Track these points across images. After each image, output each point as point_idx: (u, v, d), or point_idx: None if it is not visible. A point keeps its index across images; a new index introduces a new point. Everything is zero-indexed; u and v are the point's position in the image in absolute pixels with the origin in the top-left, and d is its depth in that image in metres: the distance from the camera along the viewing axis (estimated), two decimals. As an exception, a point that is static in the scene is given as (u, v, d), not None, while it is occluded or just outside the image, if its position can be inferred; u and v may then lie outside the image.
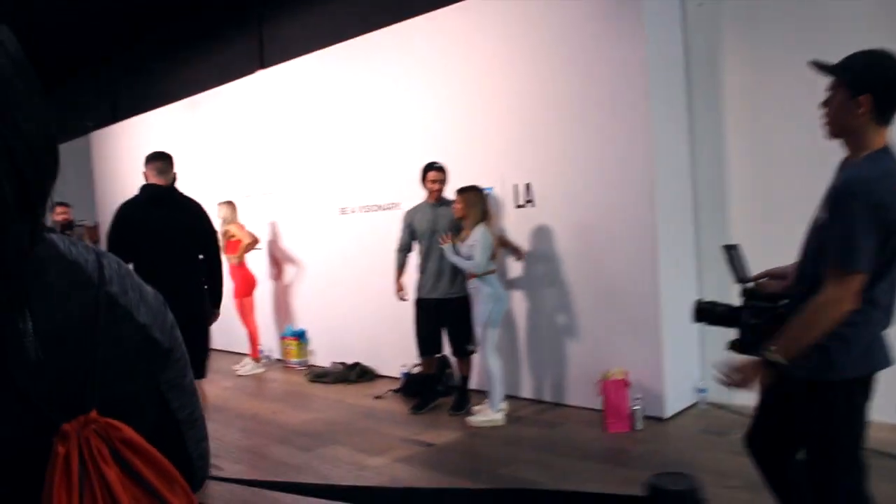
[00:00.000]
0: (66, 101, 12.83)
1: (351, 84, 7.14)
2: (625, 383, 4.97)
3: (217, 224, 7.51)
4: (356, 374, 6.96)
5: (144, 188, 4.51)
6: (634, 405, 4.95)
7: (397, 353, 6.66)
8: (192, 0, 9.04)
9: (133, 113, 10.50)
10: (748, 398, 5.28)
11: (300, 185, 7.77)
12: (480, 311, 5.27)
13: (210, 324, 4.60)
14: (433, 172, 5.59)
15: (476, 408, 5.45)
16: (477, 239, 5.19)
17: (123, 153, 10.69)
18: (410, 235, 5.73)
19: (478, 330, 5.31)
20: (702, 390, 5.36)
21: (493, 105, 5.89)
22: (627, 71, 5.10)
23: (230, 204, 7.73)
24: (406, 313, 6.39)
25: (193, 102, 9.22)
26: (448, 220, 5.50)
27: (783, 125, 5.05)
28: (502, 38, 5.82)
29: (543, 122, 5.57)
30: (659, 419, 5.07)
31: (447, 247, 5.28)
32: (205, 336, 4.50)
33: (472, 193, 5.32)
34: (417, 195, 6.22)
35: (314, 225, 7.60)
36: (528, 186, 5.68)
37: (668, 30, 5.29)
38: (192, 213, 4.59)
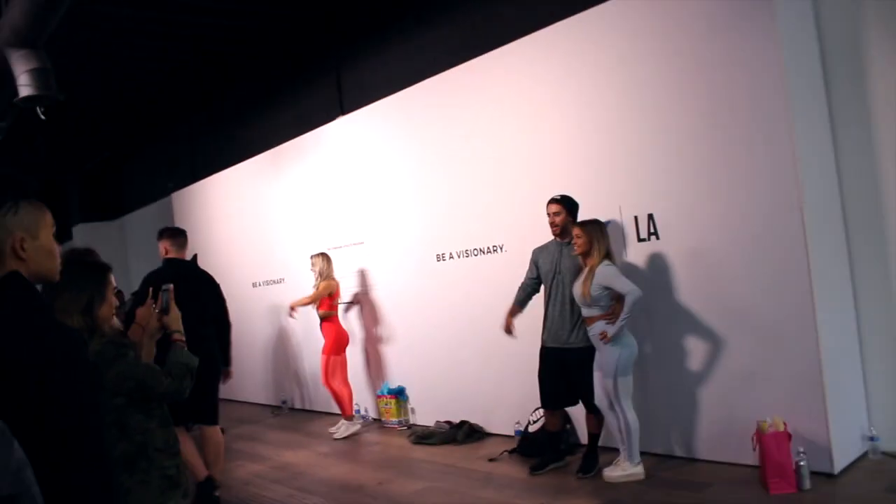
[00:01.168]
0: (149, 163, 12.96)
1: (439, 122, 6.75)
2: (787, 435, 4.30)
3: (311, 277, 7.33)
4: (464, 433, 6.41)
5: (168, 262, 5.34)
6: (799, 460, 4.27)
7: (508, 409, 6.13)
8: (269, 50, 8.88)
9: (214, 170, 10.37)
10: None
11: (391, 232, 7.36)
12: (609, 358, 4.71)
13: (223, 381, 5.45)
14: (550, 205, 5.09)
15: (611, 465, 4.86)
16: (609, 275, 4.67)
17: (201, 211, 10.60)
18: (535, 273, 5.25)
19: (607, 380, 4.74)
20: (873, 438, 4.65)
21: (604, 130, 5.38)
22: (762, 79, 4.52)
23: (324, 256, 7.38)
24: (516, 364, 5.91)
25: (275, 154, 8.99)
26: (573, 261, 4.99)
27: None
28: (610, 56, 5.32)
29: (665, 144, 5.02)
30: (828, 475, 4.36)
31: (597, 326, 4.78)
32: (213, 390, 5.29)
33: (593, 226, 4.81)
34: (523, 236, 5.77)
35: (408, 274, 7.16)
36: (650, 217, 5.12)
37: (801, 28, 4.72)
38: (208, 283, 5.48)
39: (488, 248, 6.31)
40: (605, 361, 4.74)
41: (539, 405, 5.40)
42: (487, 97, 6.27)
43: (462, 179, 6.53)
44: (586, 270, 4.78)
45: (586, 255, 4.80)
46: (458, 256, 6.59)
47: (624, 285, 4.61)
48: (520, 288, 5.34)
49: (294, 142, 8.64)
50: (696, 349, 4.96)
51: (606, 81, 5.35)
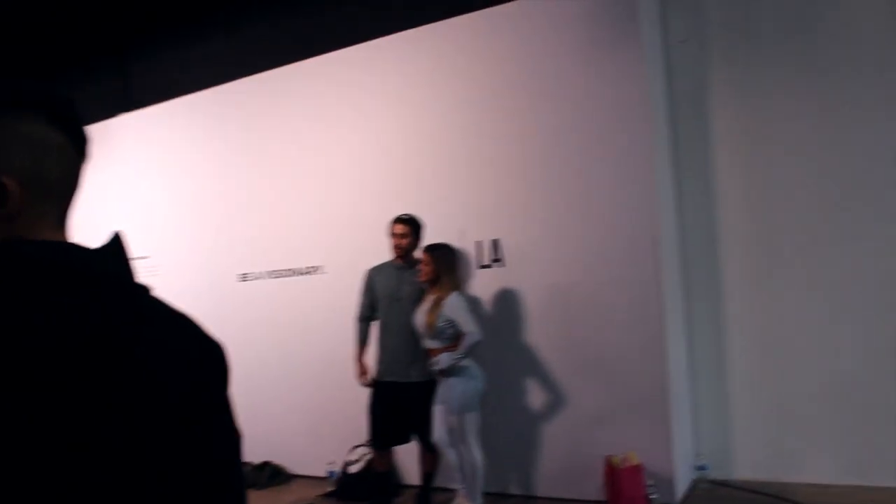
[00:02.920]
0: None
1: (252, 129, 6.06)
2: (640, 469, 4.24)
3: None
4: (266, 475, 5.73)
5: None
6: (650, 493, 4.23)
7: (319, 448, 5.55)
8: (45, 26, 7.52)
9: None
10: (748, 472, 4.88)
11: (184, 247, 6.45)
12: (453, 392, 4.36)
13: None
14: (396, 226, 4.66)
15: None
16: (456, 307, 4.33)
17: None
18: (371, 300, 4.76)
19: (451, 416, 4.40)
20: (701, 467, 4.77)
21: (447, 149, 5.09)
22: (628, 114, 4.52)
23: None
24: (328, 398, 5.41)
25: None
26: (415, 287, 4.59)
27: (776, 161, 4.71)
28: (460, 73, 5.07)
29: (518, 170, 4.86)
30: (671, 507, 4.39)
31: (444, 358, 4.35)
32: None
33: (443, 252, 4.47)
34: (346, 257, 5.30)
35: (202, 293, 6.31)
36: (495, 243, 4.90)
37: (657, 71, 4.79)
38: None
39: (303, 268, 5.72)
40: (449, 396, 4.39)
41: (359, 443, 4.94)
42: (312, 105, 5.74)
43: (275, 193, 5.89)
44: (432, 299, 4.41)
45: (433, 283, 4.44)
46: (267, 276, 5.93)
47: (466, 323, 4.30)
48: (358, 320, 4.81)
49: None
50: (540, 384, 4.79)
51: (454, 99, 5.09)
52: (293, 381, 5.69)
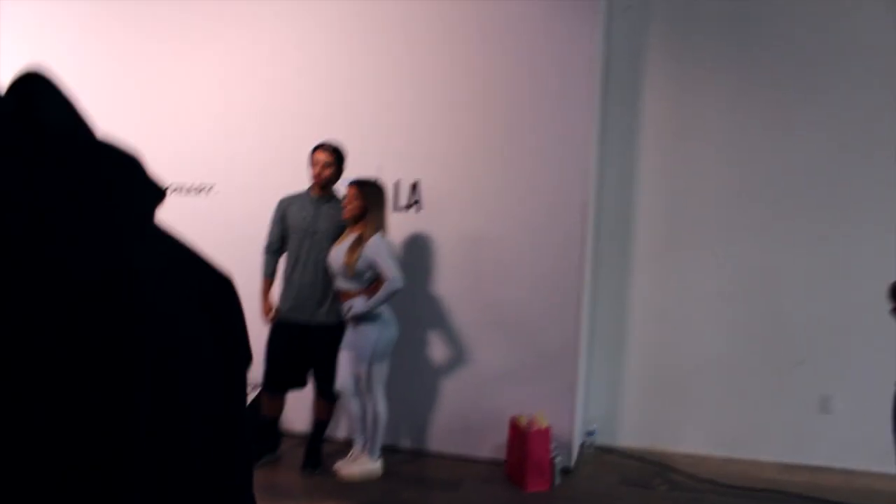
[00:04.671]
0: None
1: (154, 13, 5.27)
2: (548, 432, 4.20)
3: None
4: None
5: None
6: (554, 457, 4.22)
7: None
8: None
9: None
10: (631, 440, 5.00)
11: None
12: (365, 339, 4.09)
13: None
14: (319, 153, 4.23)
15: (344, 460, 4.27)
16: (379, 250, 4.03)
17: None
18: (282, 232, 4.32)
19: (360, 364, 4.13)
20: (590, 432, 4.84)
21: (373, 80, 4.69)
22: (566, 69, 4.37)
23: None
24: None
25: None
26: (333, 222, 4.22)
27: (698, 148, 4.79)
28: (402, 7, 4.67)
29: (443, 111, 4.58)
30: (566, 471, 4.40)
31: (359, 302, 4.04)
32: None
33: (372, 189, 4.13)
34: (243, 178, 4.84)
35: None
36: (414, 185, 4.61)
37: (599, 32, 4.66)
38: None
39: (193, 185, 5.06)
40: (360, 343, 4.11)
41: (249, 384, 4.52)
42: (229, 9, 5.06)
43: (169, 90, 5.10)
44: (353, 238, 4.07)
45: (356, 220, 4.10)
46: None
47: (389, 269, 4.01)
48: (266, 252, 4.36)
49: None
50: (446, 337, 4.61)
51: (388, 30, 4.67)
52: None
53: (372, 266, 4.03)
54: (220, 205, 4.94)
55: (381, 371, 4.16)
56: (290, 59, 4.86)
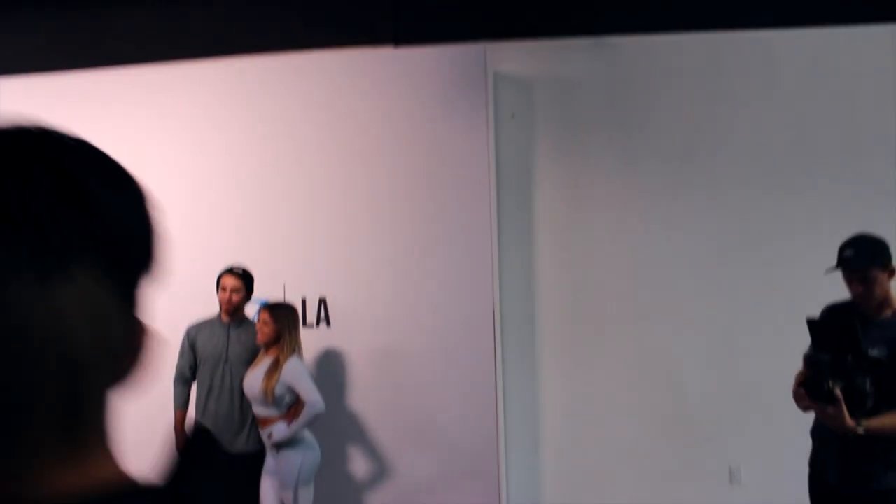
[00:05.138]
0: None
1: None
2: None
3: None
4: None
5: None
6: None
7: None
8: None
9: None
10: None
11: None
12: (289, 464, 4.00)
13: None
14: (228, 278, 4.18)
15: None
16: (298, 373, 4.00)
17: None
18: (191, 361, 4.19)
19: (285, 491, 4.02)
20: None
21: (273, 194, 4.73)
22: (463, 177, 4.57)
23: None
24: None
25: None
26: (245, 348, 4.16)
27: (592, 241, 5.04)
28: (294, 108, 4.76)
29: (347, 225, 4.65)
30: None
31: (280, 428, 3.97)
32: None
33: (285, 312, 4.12)
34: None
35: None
36: (321, 302, 4.63)
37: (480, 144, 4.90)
38: None
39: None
40: (284, 469, 4.00)
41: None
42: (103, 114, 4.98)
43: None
44: (269, 362, 4.02)
45: (270, 345, 4.07)
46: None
47: (309, 392, 3.98)
48: (176, 383, 4.23)
49: None
50: (366, 452, 4.57)
51: (288, 139, 4.74)
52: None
53: (291, 390, 3.99)
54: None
55: (306, 496, 4.05)
56: (176, 178, 4.83)
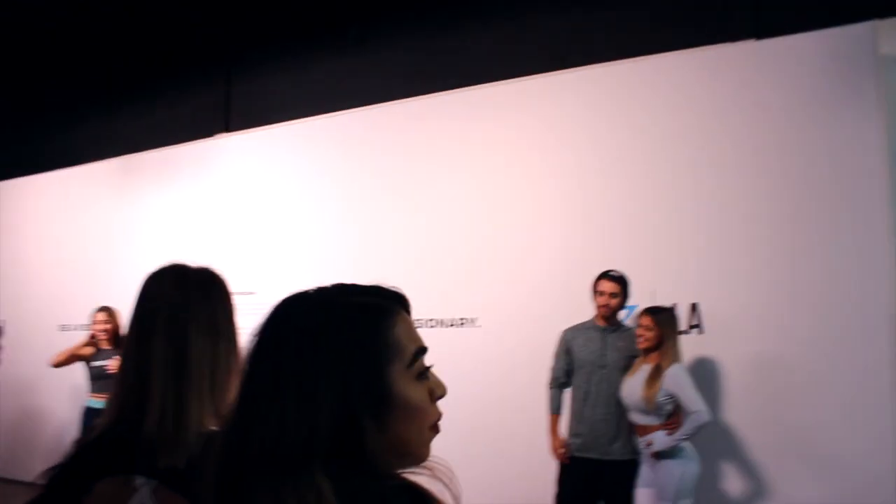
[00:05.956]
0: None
1: (368, 161, 5.60)
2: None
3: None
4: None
5: None
6: None
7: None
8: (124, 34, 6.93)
9: (52, 166, 7.66)
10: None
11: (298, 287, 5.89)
12: (669, 475, 3.87)
13: None
14: (606, 282, 4.18)
15: None
16: (683, 381, 3.86)
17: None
18: (567, 365, 4.25)
19: (664, 502, 3.90)
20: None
21: (640, 199, 4.64)
22: (854, 169, 4.11)
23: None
24: (486, 480, 4.79)
25: (126, 163, 7.01)
26: (622, 353, 4.11)
27: None
28: (654, 111, 4.66)
29: (720, 227, 4.41)
30: None
31: (661, 438, 3.89)
32: None
33: (668, 318, 4.01)
34: (505, 310, 4.85)
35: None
36: (693, 307, 4.43)
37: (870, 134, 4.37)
38: None
39: (454, 319, 5.17)
40: (664, 480, 3.89)
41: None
42: (455, 136, 5.29)
43: (419, 233, 5.36)
44: (650, 369, 3.93)
45: (651, 351, 3.97)
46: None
47: (694, 401, 3.83)
48: (551, 386, 4.32)
49: (157, 154, 6.81)
50: (741, 470, 4.29)
51: (654, 144, 4.65)
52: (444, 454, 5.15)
53: (672, 398, 3.86)
54: (482, 338, 4.98)
55: (687, 509, 3.92)
56: (549, 186, 4.92)
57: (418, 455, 0.89)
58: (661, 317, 3.97)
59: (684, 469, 3.89)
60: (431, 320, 5.19)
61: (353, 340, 0.85)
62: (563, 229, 4.83)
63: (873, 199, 4.09)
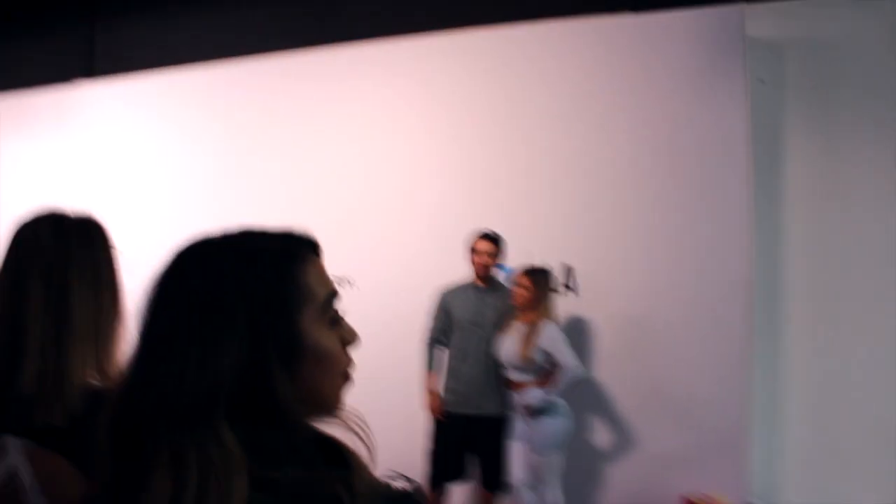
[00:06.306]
0: None
1: (249, 115, 5.40)
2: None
3: None
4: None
5: None
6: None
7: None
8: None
9: None
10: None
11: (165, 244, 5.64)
12: (544, 431, 4.02)
13: None
14: (484, 242, 4.23)
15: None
16: (556, 338, 3.99)
17: None
18: (444, 324, 4.28)
19: (537, 456, 4.04)
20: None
21: (517, 161, 4.74)
22: (718, 145, 4.36)
23: None
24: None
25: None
26: (498, 312, 4.19)
27: (849, 216, 4.69)
28: (538, 78, 4.74)
29: (595, 192, 4.58)
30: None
31: (536, 393, 4.00)
32: None
33: (544, 277, 4.11)
34: (379, 271, 4.81)
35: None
36: (568, 270, 4.58)
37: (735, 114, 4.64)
38: None
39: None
40: (539, 436, 4.03)
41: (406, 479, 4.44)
42: (334, 96, 5.19)
43: (297, 191, 5.24)
44: (526, 328, 4.04)
45: (526, 309, 4.07)
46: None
47: (567, 358, 3.99)
48: (428, 345, 4.36)
49: (15, 98, 6.27)
50: (609, 423, 4.52)
51: (533, 109, 4.75)
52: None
53: (547, 355, 3.98)
54: (357, 297, 4.96)
55: (557, 462, 4.07)
56: (427, 147, 4.92)
57: (331, 404, 0.86)
58: (537, 277, 4.08)
59: (558, 425, 4.04)
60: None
61: (261, 285, 0.80)
62: (441, 190, 4.86)
63: (733, 170, 4.38)
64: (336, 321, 0.86)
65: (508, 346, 4.06)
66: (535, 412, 4.00)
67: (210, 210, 5.35)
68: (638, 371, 4.48)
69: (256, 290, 0.80)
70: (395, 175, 4.99)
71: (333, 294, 0.87)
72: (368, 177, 5.03)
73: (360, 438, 0.86)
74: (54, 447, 1.12)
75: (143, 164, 5.71)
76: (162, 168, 5.67)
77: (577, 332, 4.55)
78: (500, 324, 4.17)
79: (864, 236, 4.72)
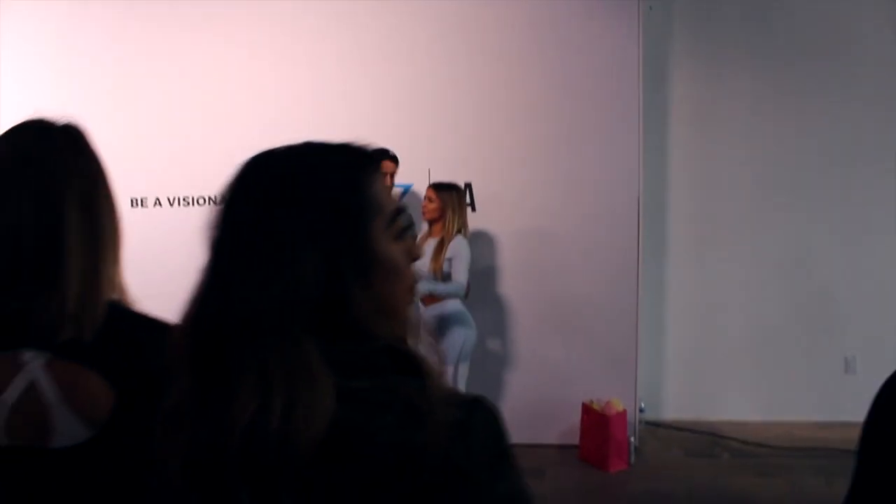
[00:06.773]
0: None
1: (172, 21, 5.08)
2: (625, 414, 4.44)
3: None
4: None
5: None
6: (630, 437, 4.46)
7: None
8: None
9: None
10: (674, 413, 5.27)
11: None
12: (451, 341, 4.19)
13: None
14: (387, 163, 4.25)
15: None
16: (459, 252, 4.12)
17: None
18: None
19: (446, 367, 4.23)
20: (641, 410, 5.10)
21: (414, 79, 4.77)
22: (612, 70, 4.59)
23: None
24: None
25: None
26: None
27: (727, 142, 5.09)
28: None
29: (488, 108, 4.71)
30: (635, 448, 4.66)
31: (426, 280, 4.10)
32: None
33: (453, 193, 4.21)
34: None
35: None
36: (468, 187, 4.71)
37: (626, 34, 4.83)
38: None
39: (208, 197, 4.91)
40: (445, 346, 4.21)
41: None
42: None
43: (188, 102, 4.99)
44: (434, 242, 4.15)
45: (434, 222, 4.18)
46: (166, 204, 5.06)
47: (460, 273, 4.11)
48: None
49: None
50: (509, 333, 4.78)
51: (426, 26, 4.78)
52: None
53: (450, 266, 4.12)
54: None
55: (464, 372, 4.27)
56: (330, 66, 4.84)
57: (404, 316, 0.85)
58: (444, 190, 4.18)
59: (465, 336, 4.21)
60: (190, 198, 4.97)
61: (334, 198, 0.80)
62: (346, 110, 4.78)
63: (626, 93, 4.61)
64: (402, 235, 0.86)
65: (420, 261, 4.15)
66: (441, 326, 4.14)
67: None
68: (538, 286, 4.73)
69: (330, 202, 0.80)
70: (298, 94, 4.84)
71: (399, 207, 0.87)
72: (272, 95, 4.86)
73: (432, 349, 0.87)
74: (77, 359, 1.11)
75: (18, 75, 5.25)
76: (41, 82, 5.23)
77: (481, 247, 4.72)
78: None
79: (740, 160, 5.13)
